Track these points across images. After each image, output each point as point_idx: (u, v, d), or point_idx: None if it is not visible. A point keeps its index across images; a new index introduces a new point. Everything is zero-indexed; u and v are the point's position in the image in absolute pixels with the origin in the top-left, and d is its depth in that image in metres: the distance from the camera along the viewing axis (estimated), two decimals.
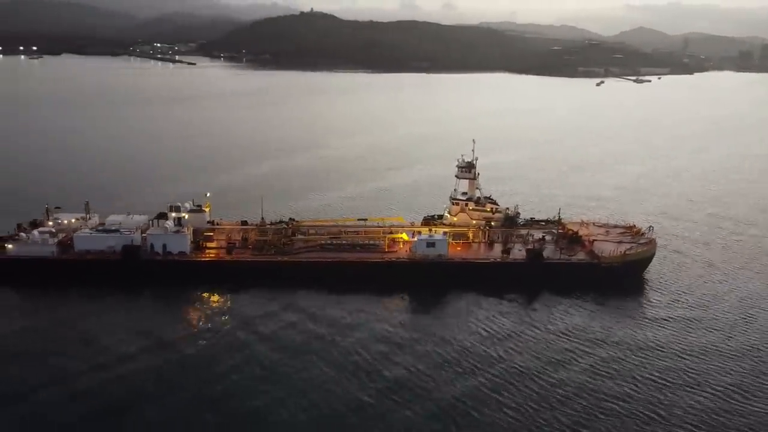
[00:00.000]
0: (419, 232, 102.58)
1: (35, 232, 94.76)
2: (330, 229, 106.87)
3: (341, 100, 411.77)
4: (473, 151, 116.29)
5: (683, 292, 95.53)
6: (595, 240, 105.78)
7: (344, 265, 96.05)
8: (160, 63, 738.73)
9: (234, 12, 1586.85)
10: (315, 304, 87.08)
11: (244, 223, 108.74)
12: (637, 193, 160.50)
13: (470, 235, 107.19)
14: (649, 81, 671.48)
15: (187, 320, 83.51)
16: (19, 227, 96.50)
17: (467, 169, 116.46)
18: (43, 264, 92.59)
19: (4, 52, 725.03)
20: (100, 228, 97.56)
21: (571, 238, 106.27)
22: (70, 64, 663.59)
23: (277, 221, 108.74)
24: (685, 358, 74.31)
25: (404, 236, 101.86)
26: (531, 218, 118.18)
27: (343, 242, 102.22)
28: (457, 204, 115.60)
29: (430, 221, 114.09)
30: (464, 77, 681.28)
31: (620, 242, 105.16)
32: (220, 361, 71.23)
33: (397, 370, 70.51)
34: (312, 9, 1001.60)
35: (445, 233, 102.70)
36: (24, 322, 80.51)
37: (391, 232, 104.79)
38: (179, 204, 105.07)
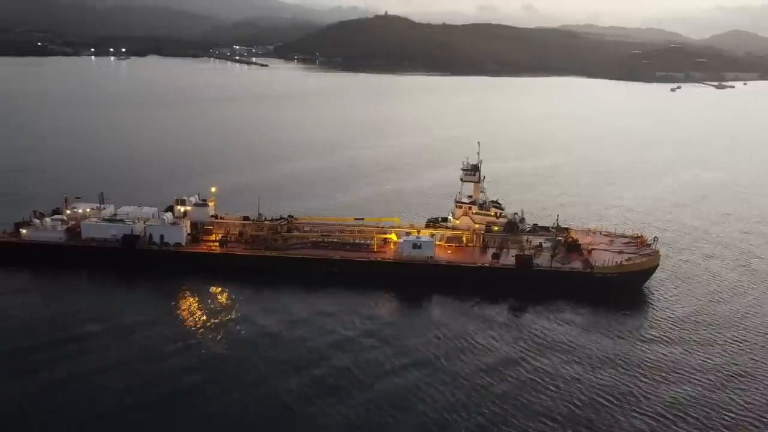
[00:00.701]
0: (408, 233, 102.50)
1: (47, 219, 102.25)
2: (325, 227, 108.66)
3: (398, 101, 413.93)
4: (478, 153, 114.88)
5: (679, 309, 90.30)
6: (594, 249, 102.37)
7: (329, 263, 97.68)
8: (237, 65, 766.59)
9: (315, 15, 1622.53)
10: (290, 300, 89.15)
11: (246, 218, 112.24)
12: (666, 205, 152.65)
13: (464, 238, 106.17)
14: (732, 87, 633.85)
15: (168, 306, 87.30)
16: (34, 214, 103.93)
17: (471, 172, 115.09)
18: (53, 249, 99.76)
19: (96, 54, 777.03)
20: (107, 218, 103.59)
21: (569, 246, 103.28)
22: (151, 64, 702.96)
23: (277, 218, 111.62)
24: (664, 381, 69.94)
25: (393, 237, 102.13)
26: (535, 225, 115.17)
27: (334, 240, 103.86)
28: (461, 207, 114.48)
29: (433, 224, 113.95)
30: (536, 81, 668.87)
31: (621, 252, 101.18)
32: (175, 347, 74.49)
33: (332, 369, 70.35)
34: (386, 12, 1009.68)
35: (432, 235, 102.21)
36: (27, 299, 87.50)
37: (385, 233, 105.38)
38: (185, 197, 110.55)
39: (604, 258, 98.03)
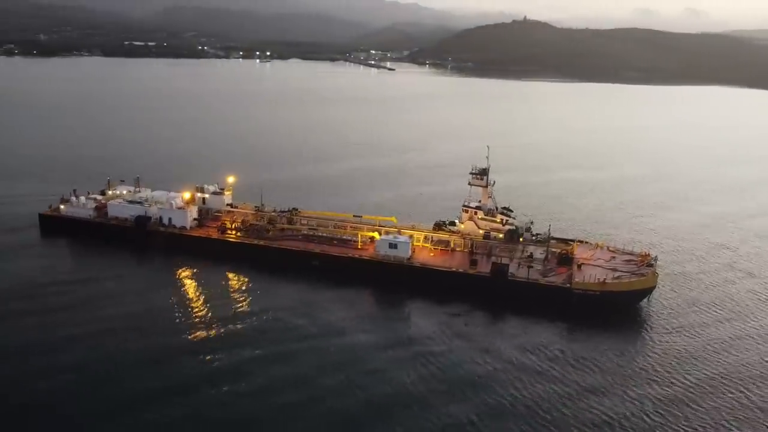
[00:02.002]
0: (387, 233, 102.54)
1: (82, 197, 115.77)
2: (321, 221, 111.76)
3: (497, 106, 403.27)
4: (487, 158, 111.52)
5: (666, 337, 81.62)
6: (585, 264, 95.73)
7: (311, 256, 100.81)
8: (368, 69, 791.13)
9: (458, 21, 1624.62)
10: (267, 287, 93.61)
11: (257, 208, 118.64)
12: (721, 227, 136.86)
13: (452, 243, 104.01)
14: None
15: (158, 280, 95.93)
16: (73, 192, 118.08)
17: (479, 176, 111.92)
18: (83, 223, 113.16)
19: (244, 57, 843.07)
20: (129, 200, 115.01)
21: (561, 259, 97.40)
22: (290, 67, 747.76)
23: (284, 209, 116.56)
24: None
25: (375, 235, 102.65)
26: (547, 234, 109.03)
27: (323, 235, 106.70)
28: (467, 212, 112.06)
29: (440, 227, 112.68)
30: (680, 89, 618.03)
31: (614, 269, 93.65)
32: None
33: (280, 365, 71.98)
34: (525, 17, 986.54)
35: (410, 237, 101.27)
36: (51, 263, 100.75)
37: (378, 231, 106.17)
38: (204, 186, 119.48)
39: (593, 274, 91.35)
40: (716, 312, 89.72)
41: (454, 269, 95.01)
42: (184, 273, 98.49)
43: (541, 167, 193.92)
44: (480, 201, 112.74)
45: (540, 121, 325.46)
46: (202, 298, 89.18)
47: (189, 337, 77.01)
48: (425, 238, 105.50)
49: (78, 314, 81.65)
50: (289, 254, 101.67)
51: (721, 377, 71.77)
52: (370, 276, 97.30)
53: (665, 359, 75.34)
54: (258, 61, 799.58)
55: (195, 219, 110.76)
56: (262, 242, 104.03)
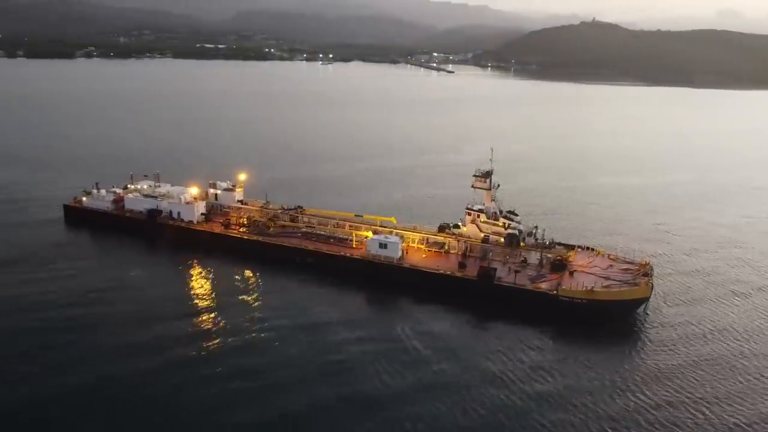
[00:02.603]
0: (380, 233, 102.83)
1: (103, 190, 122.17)
2: (322, 219, 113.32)
3: (562, 110, 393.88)
4: (491, 160, 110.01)
5: (647, 352, 77.88)
6: (579, 271, 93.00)
7: (306, 253, 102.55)
8: (432, 71, 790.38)
9: (527, 23, 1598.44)
10: (260, 281, 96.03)
11: (263, 205, 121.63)
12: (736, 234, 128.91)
13: (446, 245, 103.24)
14: None
15: (161, 270, 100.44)
16: (96, 185, 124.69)
17: (482, 179, 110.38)
18: (101, 215, 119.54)
19: (307, 59, 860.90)
20: (144, 194, 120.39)
21: (554, 265, 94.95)
22: (349, 68, 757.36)
23: (291, 207, 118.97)
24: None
25: (369, 234, 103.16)
26: (552, 240, 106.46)
27: (321, 233, 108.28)
28: (470, 214, 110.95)
29: (443, 229, 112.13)
30: (754, 94, 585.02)
31: (606, 278, 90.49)
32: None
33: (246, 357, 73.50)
34: (594, 18, 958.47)
35: (401, 237, 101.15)
36: (71, 250, 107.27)
37: (376, 231, 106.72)
38: (217, 182, 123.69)
39: (584, 281, 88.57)
40: (712, 330, 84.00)
41: (441, 271, 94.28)
42: (187, 264, 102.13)
43: (580, 172, 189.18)
44: (484, 204, 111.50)
45: (594, 125, 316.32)
46: (195, 289, 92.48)
47: (164, 324, 79.80)
48: (420, 239, 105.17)
49: (80, 298, 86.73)
50: (286, 251, 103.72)
51: (702, 400, 68.11)
52: (361, 275, 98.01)
53: (640, 377, 71.55)
54: (320, 63, 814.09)
55: (203, 214, 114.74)
56: (261, 238, 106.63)
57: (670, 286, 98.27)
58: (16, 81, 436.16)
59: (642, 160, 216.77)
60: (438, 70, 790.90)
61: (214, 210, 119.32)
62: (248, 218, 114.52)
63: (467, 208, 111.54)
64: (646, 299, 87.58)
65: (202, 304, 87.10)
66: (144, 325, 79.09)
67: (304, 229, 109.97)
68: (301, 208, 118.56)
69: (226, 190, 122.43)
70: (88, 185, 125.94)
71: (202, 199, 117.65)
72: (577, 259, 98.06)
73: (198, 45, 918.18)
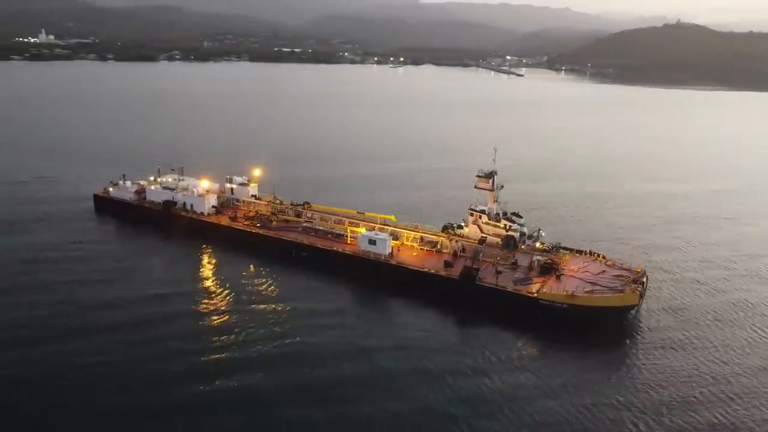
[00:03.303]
0: (373, 229, 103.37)
1: (128, 182, 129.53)
2: (324, 215, 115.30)
3: (617, 114, 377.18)
4: (494, 160, 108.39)
5: (621, 366, 74.40)
6: (568, 274, 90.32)
7: (301, 247, 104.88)
8: (503, 75, 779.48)
9: (610, 26, 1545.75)
10: (255, 272, 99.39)
11: (273, 200, 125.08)
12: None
13: (439, 244, 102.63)
14: None
15: (167, 257, 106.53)
16: (123, 177, 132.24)
17: (485, 179, 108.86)
18: (124, 205, 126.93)
19: (379, 62, 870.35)
20: (163, 186, 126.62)
21: (543, 268, 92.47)
22: (419, 71, 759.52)
23: (298, 203, 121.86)
24: None
25: (362, 230, 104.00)
26: (556, 244, 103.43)
27: (319, 228, 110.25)
28: (472, 215, 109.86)
29: (447, 229, 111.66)
30: None
31: (594, 282, 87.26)
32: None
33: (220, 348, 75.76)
34: (679, 20, 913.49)
35: (391, 233, 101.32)
36: (97, 236, 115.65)
37: (377, 228, 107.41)
38: (234, 177, 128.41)
39: (569, 285, 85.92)
40: (700, 348, 78.73)
41: (425, 270, 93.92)
42: (194, 253, 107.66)
43: (617, 178, 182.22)
44: (487, 205, 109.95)
45: (656, 131, 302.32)
46: (195, 274, 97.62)
47: (151, 309, 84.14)
48: (414, 238, 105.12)
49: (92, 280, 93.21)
50: (283, 244, 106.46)
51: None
52: (351, 270, 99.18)
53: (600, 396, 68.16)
54: (390, 66, 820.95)
55: (213, 206, 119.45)
56: (262, 231, 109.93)
57: (671, 296, 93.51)
58: (98, 81, 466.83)
59: (693, 168, 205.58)
60: (508, 73, 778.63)
61: (227, 203, 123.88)
62: (255, 212, 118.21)
63: (470, 209, 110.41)
64: (632, 307, 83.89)
65: (195, 287, 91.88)
66: (140, 302, 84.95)
67: (304, 224, 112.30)
68: (308, 203, 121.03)
69: (241, 184, 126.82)
70: (122, 176, 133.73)
71: (215, 192, 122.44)
72: (571, 264, 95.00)
73: (276, 49, 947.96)
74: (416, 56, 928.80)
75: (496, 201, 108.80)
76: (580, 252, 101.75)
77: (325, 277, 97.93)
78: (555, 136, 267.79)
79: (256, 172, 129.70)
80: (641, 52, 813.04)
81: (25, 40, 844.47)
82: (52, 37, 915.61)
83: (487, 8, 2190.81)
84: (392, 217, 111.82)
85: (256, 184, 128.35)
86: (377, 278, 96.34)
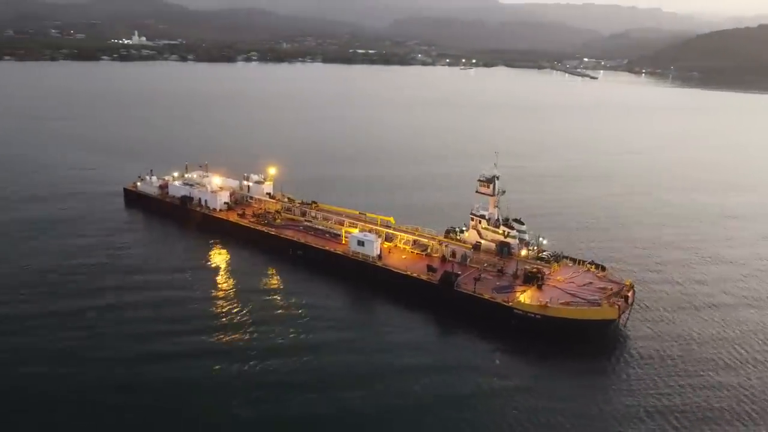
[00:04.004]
0: (369, 230, 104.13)
1: (154, 177, 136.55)
2: (328, 215, 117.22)
3: (683, 120, 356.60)
4: (495, 165, 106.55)
5: (574, 384, 71.97)
6: (551, 284, 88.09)
7: (298, 246, 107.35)
8: (577, 77, 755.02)
9: (701, 27, 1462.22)
10: (249, 265, 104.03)
11: (290, 199, 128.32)
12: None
13: (429, 247, 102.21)
14: None
15: (177, 248, 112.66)
16: (151, 172, 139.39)
17: (486, 184, 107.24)
18: (149, 199, 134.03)
19: (450, 64, 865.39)
20: (185, 182, 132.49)
21: (526, 276, 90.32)
22: (490, 73, 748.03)
23: (307, 201, 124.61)
24: None
25: (355, 231, 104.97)
26: (557, 253, 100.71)
27: (318, 227, 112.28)
28: (473, 220, 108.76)
29: (449, 233, 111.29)
30: None
31: (574, 294, 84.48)
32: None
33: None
34: None
35: (386, 235, 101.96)
36: (125, 226, 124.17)
37: (369, 229, 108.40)
38: (251, 175, 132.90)
39: (548, 296, 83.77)
40: (677, 371, 74.59)
41: (407, 273, 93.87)
42: (203, 245, 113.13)
43: (653, 186, 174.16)
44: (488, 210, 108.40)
45: (722, 138, 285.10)
46: (199, 265, 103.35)
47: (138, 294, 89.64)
48: (407, 240, 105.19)
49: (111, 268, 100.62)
50: (282, 242, 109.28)
51: None
52: (342, 270, 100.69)
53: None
54: (459, 67, 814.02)
55: (225, 203, 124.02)
56: (264, 229, 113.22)
57: (665, 311, 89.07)
58: (170, 81, 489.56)
59: (749, 179, 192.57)
60: (582, 76, 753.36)
61: (241, 200, 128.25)
62: (263, 210, 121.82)
63: (471, 213, 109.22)
64: (611, 321, 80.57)
65: (192, 275, 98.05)
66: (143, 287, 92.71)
67: (305, 223, 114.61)
68: (315, 203, 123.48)
69: (256, 182, 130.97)
70: (149, 171, 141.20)
71: (228, 190, 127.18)
72: (559, 273, 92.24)
73: (351, 50, 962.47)
74: (490, 58, 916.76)
75: (497, 206, 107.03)
76: (581, 262, 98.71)
77: (317, 275, 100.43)
78: (604, 142, 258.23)
79: (272, 171, 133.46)
80: (732, 55, 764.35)
81: (119, 41, 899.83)
82: (143, 38, 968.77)
83: (570, 9, 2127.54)
84: (391, 219, 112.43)
85: (271, 183, 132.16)
86: (365, 279, 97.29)
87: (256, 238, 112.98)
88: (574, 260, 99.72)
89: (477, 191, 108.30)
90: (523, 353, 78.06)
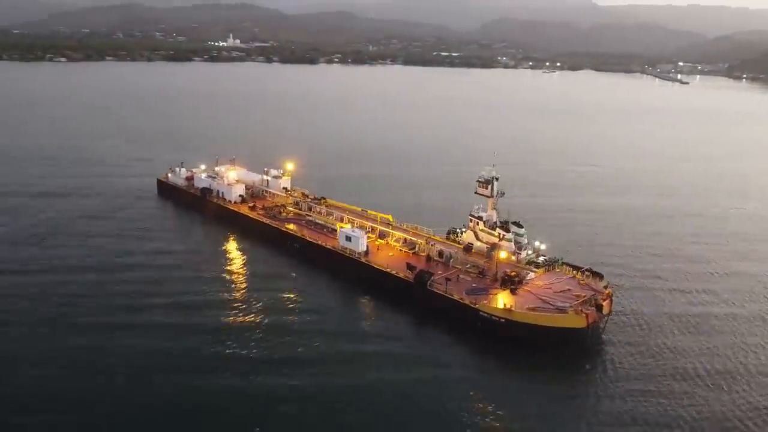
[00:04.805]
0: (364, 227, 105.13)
1: (183, 169, 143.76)
2: (331, 210, 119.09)
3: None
4: (493, 166, 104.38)
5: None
6: (527, 289, 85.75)
7: (295, 239, 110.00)
8: (668, 82, 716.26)
9: None
10: (248, 255, 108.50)
11: (304, 194, 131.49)
12: None
13: (417, 246, 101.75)
14: None
15: (189, 235, 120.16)
16: (181, 164, 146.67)
17: (484, 185, 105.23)
18: (176, 189, 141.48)
19: (533, 68, 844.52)
20: (208, 174, 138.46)
21: (503, 280, 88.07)
22: (574, 77, 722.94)
23: (318, 197, 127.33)
24: None
25: (346, 226, 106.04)
26: (558, 258, 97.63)
27: (318, 222, 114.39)
28: (472, 221, 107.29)
29: (450, 234, 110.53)
30: None
31: (545, 300, 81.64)
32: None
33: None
34: None
35: (366, 232, 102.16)
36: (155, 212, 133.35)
37: (377, 227, 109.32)
38: (271, 170, 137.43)
39: (520, 300, 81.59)
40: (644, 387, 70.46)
41: (386, 269, 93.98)
42: (216, 235, 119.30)
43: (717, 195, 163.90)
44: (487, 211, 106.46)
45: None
46: (202, 254, 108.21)
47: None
48: (397, 238, 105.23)
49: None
50: (282, 235, 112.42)
51: None
52: (331, 264, 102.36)
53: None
54: (542, 71, 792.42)
55: (240, 195, 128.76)
56: (269, 221, 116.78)
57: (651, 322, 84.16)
58: (249, 80, 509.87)
59: None
60: (673, 81, 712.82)
61: (258, 194, 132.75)
62: (273, 203, 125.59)
63: (470, 214, 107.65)
64: (580, 330, 77.02)
65: (195, 259, 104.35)
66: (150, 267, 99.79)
67: (308, 218, 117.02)
68: (324, 198, 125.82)
69: (274, 177, 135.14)
70: (180, 164, 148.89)
71: (244, 183, 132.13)
72: (542, 278, 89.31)
73: (435, 53, 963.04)
74: (577, 61, 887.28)
75: (495, 208, 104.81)
76: (577, 269, 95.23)
77: (309, 267, 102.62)
78: (664, 147, 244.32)
79: (289, 166, 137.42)
80: None
81: (215, 43, 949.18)
82: (237, 41, 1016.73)
83: (672, 10, 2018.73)
84: (389, 216, 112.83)
85: (289, 177, 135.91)
86: (352, 273, 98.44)
87: (261, 230, 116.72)
88: (572, 267, 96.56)
89: (476, 192, 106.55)
90: (485, 354, 77.44)
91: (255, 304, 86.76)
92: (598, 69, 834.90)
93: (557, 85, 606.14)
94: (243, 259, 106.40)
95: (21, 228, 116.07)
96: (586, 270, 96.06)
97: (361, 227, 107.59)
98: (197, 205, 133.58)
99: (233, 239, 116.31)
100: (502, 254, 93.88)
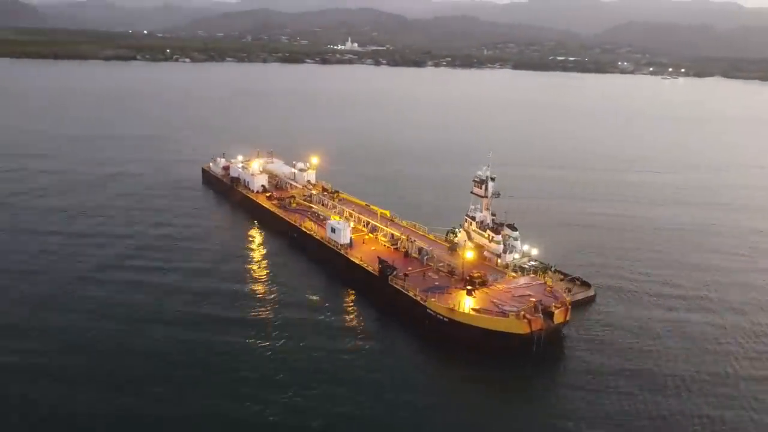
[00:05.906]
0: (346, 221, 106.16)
1: (222, 159, 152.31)
2: (337, 204, 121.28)
3: None
4: (488, 166, 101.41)
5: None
6: (486, 290, 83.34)
7: (294, 229, 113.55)
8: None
9: None
10: (250, 240, 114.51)
11: (323, 188, 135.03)
12: None
13: (399, 242, 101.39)
14: None
15: (211, 221, 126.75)
16: (224, 155, 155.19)
17: (479, 185, 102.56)
18: (215, 178, 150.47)
19: (653, 73, 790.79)
20: (242, 165, 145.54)
21: (467, 280, 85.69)
22: (700, 84, 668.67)
23: (333, 191, 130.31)
24: None
25: (337, 218, 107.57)
26: (551, 265, 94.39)
27: (319, 213, 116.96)
28: (466, 221, 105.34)
29: (449, 233, 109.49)
30: None
31: (497, 302, 78.77)
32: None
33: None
34: None
35: (351, 225, 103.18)
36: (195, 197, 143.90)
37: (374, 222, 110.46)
38: (298, 163, 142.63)
39: (475, 301, 79.46)
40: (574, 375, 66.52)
41: (359, 262, 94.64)
42: (238, 220, 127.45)
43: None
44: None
45: None
46: (225, 234, 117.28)
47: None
48: (385, 234, 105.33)
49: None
50: (284, 224, 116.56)
51: None
52: (318, 254, 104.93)
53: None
54: (662, 77, 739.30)
55: (262, 185, 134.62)
56: (276, 211, 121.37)
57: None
58: (348, 81, 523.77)
59: None
60: None
61: (281, 185, 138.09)
62: (288, 194, 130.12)
63: (466, 215, 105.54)
64: (524, 336, 73.35)
65: (214, 243, 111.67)
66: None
67: (314, 210, 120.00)
68: (338, 192, 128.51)
69: (300, 170, 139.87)
70: (222, 154, 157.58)
71: (266, 173, 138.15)
72: (508, 282, 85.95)
73: (551, 58, 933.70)
74: (707, 67, 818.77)
75: (489, 208, 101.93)
76: (565, 275, 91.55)
77: (302, 256, 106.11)
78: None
79: (314, 160, 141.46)
80: None
81: (333, 46, 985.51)
82: (355, 44, 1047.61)
83: None
84: (387, 212, 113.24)
85: (314, 171, 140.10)
86: (333, 264, 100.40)
87: (272, 219, 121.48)
88: (563, 274, 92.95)
89: (471, 192, 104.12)
90: (430, 352, 76.59)
91: (233, 289, 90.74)
92: (728, 76, 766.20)
93: (670, 92, 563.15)
94: (254, 242, 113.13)
95: (85, 201, 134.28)
96: (576, 278, 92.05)
97: (358, 221, 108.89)
98: (228, 193, 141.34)
99: (250, 224, 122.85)
100: (468, 254, 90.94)
